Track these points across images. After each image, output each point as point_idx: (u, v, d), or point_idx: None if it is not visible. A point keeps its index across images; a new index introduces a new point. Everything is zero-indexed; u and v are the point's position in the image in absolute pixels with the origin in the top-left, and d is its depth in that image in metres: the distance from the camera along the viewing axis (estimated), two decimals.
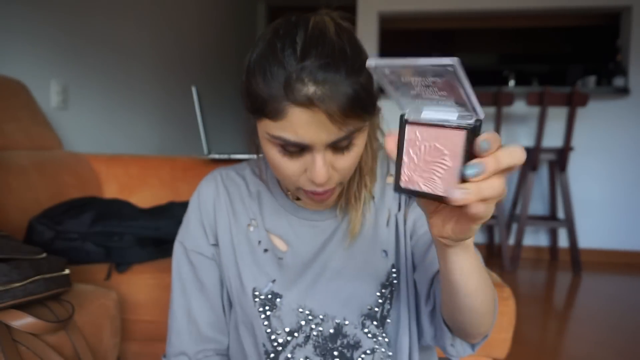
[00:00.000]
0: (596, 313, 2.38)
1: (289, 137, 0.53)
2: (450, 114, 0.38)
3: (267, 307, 0.66)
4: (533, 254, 3.54)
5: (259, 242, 0.69)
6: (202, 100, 1.81)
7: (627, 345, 1.95)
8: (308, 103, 0.51)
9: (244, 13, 4.44)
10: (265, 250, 0.68)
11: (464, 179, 0.36)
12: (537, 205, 3.50)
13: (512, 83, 3.93)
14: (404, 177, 0.39)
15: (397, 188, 0.40)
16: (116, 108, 2.36)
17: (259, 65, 0.55)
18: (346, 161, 0.57)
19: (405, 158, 0.39)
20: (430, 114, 0.38)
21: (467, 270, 0.47)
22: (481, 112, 0.36)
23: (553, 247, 3.48)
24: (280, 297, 0.66)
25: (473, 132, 0.36)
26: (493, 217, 3.24)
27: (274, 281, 0.67)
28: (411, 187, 0.39)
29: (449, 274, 0.48)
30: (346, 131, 0.53)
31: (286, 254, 0.68)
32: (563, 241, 3.41)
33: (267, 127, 0.55)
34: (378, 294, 0.66)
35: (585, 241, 3.36)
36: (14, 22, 1.69)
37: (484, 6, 3.57)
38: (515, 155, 0.35)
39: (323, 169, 0.55)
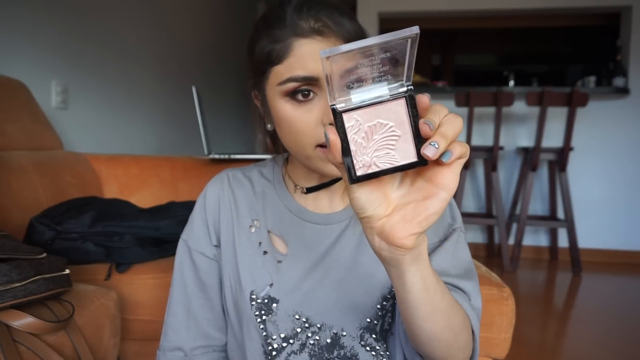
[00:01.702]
0: (596, 313, 2.38)
1: (298, 74, 0.55)
2: (380, 90, 0.38)
3: (263, 312, 0.65)
4: (533, 254, 3.54)
5: (260, 243, 0.68)
6: (202, 100, 1.81)
7: (626, 345, 1.95)
8: (313, 33, 0.54)
9: (244, 13, 4.44)
10: (265, 253, 0.67)
11: (418, 139, 0.38)
12: (537, 205, 3.50)
13: (512, 83, 3.93)
14: (357, 165, 0.38)
15: (355, 178, 0.38)
16: (116, 108, 2.36)
17: (261, 23, 0.58)
18: None
19: (352, 146, 0.38)
20: (361, 96, 0.38)
21: (425, 283, 0.45)
22: (411, 79, 0.38)
23: (553, 247, 3.48)
24: (277, 302, 0.65)
25: (411, 97, 0.38)
26: (493, 217, 3.24)
27: (271, 285, 0.65)
28: (370, 171, 0.38)
29: (406, 292, 0.45)
30: None
31: (286, 256, 0.66)
32: (563, 241, 3.41)
33: (275, 78, 0.57)
34: (379, 306, 0.64)
35: (585, 241, 3.36)
36: (15, 23, 1.70)
37: (484, 6, 3.57)
38: (441, 111, 0.38)
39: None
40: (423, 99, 0.37)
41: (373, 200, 0.40)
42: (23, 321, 0.75)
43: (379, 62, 0.37)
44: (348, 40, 0.56)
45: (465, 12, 3.66)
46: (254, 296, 0.65)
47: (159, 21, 2.80)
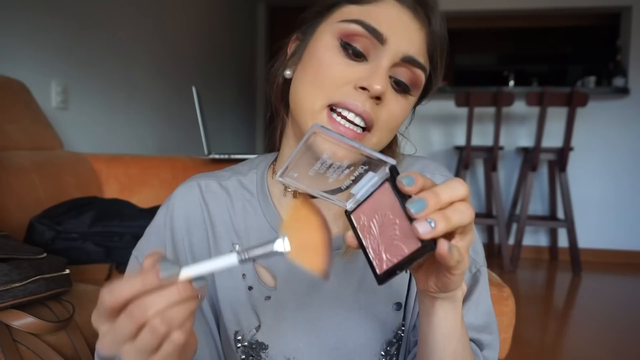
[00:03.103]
0: (596, 313, 2.38)
1: (369, 22, 0.48)
2: (372, 180, 0.38)
3: (251, 357, 0.56)
4: (533, 254, 3.54)
5: (243, 275, 0.57)
6: (202, 100, 1.81)
7: (626, 345, 1.95)
8: (408, 6, 0.49)
9: (244, 13, 4.43)
10: (250, 288, 0.56)
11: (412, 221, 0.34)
12: (537, 205, 3.50)
13: (512, 83, 3.93)
14: (375, 265, 0.37)
15: (379, 279, 0.37)
16: (116, 108, 2.36)
17: None
18: (395, 108, 0.51)
19: (366, 245, 0.37)
20: (358, 190, 0.38)
21: (451, 331, 0.44)
22: (389, 158, 0.36)
23: (553, 247, 3.48)
24: (266, 348, 0.55)
25: (393, 178, 0.35)
26: (493, 217, 3.24)
27: (258, 327, 0.56)
28: (386, 267, 0.36)
29: (430, 332, 0.44)
30: (422, 58, 0.50)
31: (275, 291, 0.56)
32: (563, 241, 3.40)
33: (341, 14, 0.50)
34: (382, 352, 0.56)
35: (585, 241, 3.36)
36: (15, 23, 1.70)
37: (484, 6, 3.57)
38: (453, 188, 0.34)
39: (385, 74, 0.48)
40: (400, 185, 0.34)
41: None
42: (23, 321, 0.75)
43: (354, 168, 0.37)
44: (431, 28, 0.51)
45: (465, 12, 3.66)
46: (239, 337, 0.56)
47: (159, 21, 2.80)
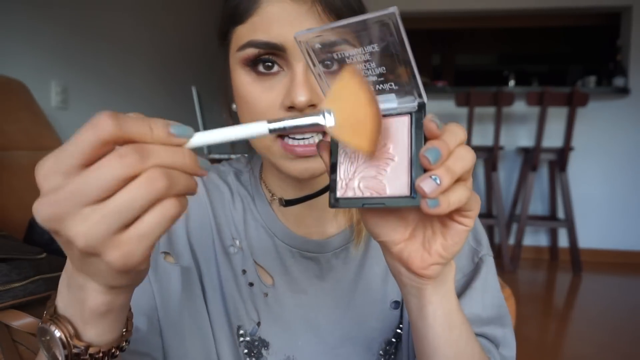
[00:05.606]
0: (596, 313, 2.38)
1: (259, 38, 0.44)
2: (388, 103, 0.32)
3: (252, 354, 0.55)
4: (533, 254, 3.54)
5: (244, 271, 0.56)
6: (202, 100, 1.81)
7: (627, 346, 1.95)
8: None
9: None
10: (251, 285, 0.56)
11: (415, 169, 0.30)
12: (537, 205, 3.50)
13: (512, 83, 3.93)
14: (340, 185, 0.32)
15: (332, 203, 0.32)
16: (116, 108, 2.36)
17: None
18: None
19: (342, 162, 0.32)
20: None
21: (450, 321, 0.39)
22: (424, 93, 0.31)
23: (553, 247, 3.48)
24: (267, 345, 0.55)
25: (418, 115, 0.31)
26: (493, 217, 3.24)
27: (259, 324, 0.56)
28: (350, 194, 0.32)
29: (427, 327, 0.39)
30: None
31: (272, 288, 0.56)
32: (563, 241, 3.41)
33: (236, 41, 0.47)
34: (381, 352, 0.56)
35: (585, 241, 3.36)
36: (15, 23, 1.70)
37: (484, 6, 3.57)
38: (456, 133, 0.31)
39: (303, 79, 0.44)
40: (430, 125, 0.30)
41: (384, 225, 0.35)
42: (23, 321, 0.75)
43: (371, 59, 0.30)
44: (333, 9, 0.44)
45: (465, 12, 3.66)
46: (241, 332, 0.56)
47: (159, 21, 2.80)
